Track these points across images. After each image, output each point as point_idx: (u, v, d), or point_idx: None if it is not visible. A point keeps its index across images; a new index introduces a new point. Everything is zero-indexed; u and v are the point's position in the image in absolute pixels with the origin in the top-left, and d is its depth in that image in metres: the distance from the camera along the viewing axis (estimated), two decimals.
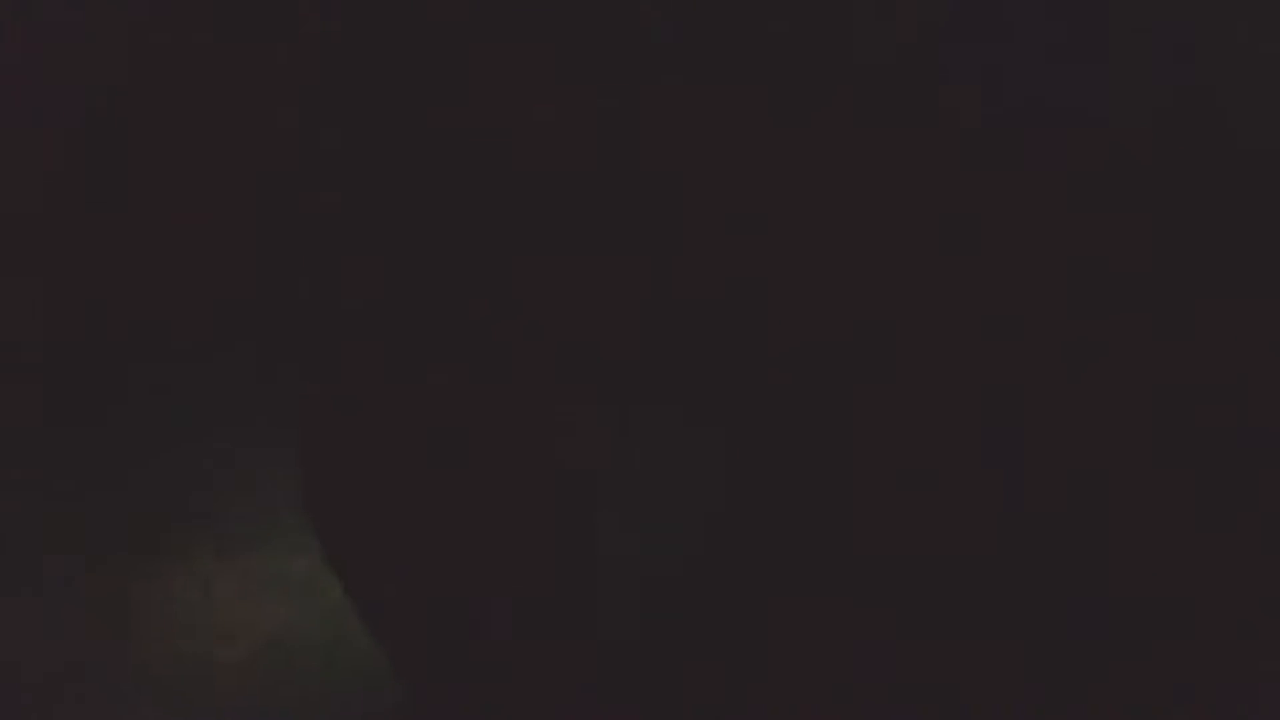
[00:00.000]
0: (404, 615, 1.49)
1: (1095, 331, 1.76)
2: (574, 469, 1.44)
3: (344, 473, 1.39)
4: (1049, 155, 1.72)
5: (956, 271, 1.78)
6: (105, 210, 2.29)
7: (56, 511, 2.05)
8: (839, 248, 1.84)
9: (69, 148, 2.33)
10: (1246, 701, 1.60)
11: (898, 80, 1.72)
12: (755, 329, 1.75)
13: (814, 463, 1.83)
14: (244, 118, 2.34)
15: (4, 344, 2.13)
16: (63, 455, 2.11)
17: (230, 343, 2.12)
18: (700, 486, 1.82)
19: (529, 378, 1.32)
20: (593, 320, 1.32)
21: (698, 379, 1.78)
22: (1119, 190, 1.75)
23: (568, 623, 1.60)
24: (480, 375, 1.29)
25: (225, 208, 2.28)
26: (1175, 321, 1.84)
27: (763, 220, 1.69)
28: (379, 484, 1.37)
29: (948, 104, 1.68)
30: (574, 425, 1.39)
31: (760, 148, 1.87)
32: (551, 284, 1.28)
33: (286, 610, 1.92)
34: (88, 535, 2.04)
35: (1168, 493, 1.82)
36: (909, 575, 1.75)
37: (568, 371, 1.35)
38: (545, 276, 1.27)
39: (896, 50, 1.70)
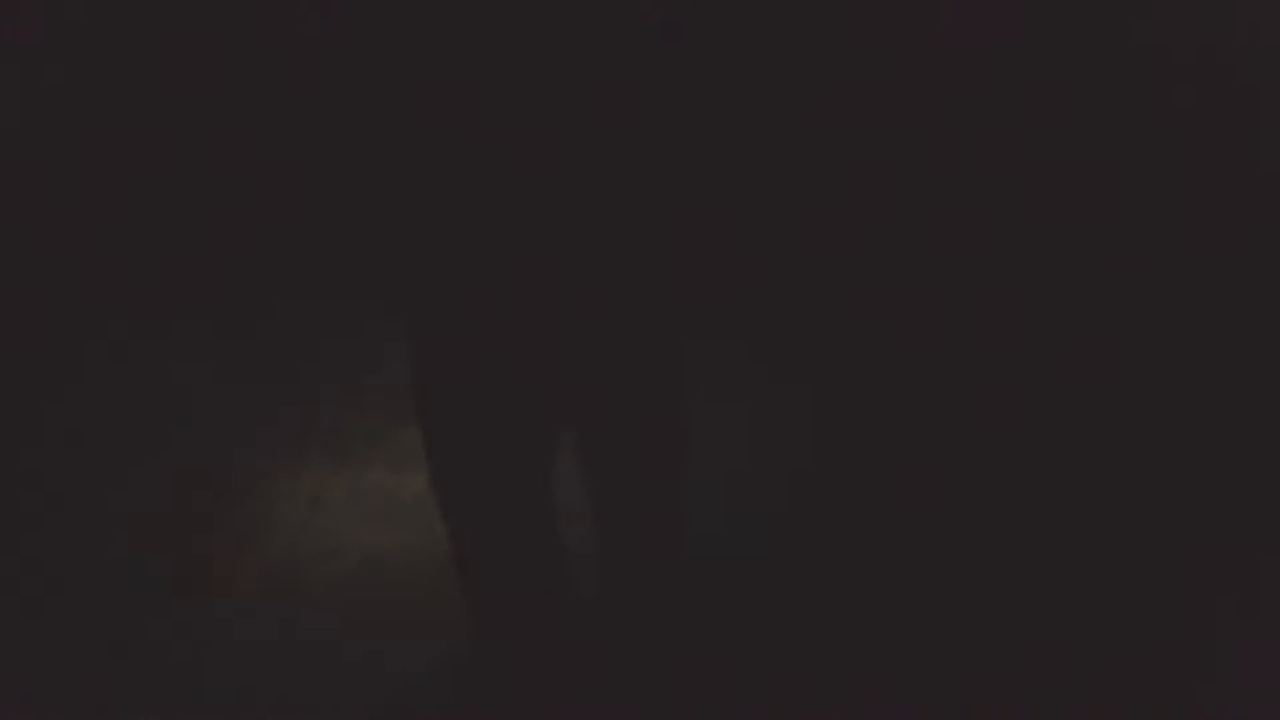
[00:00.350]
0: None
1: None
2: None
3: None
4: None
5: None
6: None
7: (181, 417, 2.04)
8: (843, 240, 1.84)
9: (69, 145, 2.34)
10: (1247, 701, 1.60)
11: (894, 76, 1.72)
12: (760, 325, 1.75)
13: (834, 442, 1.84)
14: (241, 119, 2.34)
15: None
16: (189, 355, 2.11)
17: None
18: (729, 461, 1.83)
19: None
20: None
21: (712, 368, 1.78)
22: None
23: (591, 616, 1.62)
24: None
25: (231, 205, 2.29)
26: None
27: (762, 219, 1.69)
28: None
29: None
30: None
31: (761, 145, 1.87)
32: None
33: (393, 531, 1.90)
34: (199, 432, 2.03)
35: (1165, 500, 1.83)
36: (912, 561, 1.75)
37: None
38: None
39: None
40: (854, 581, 1.75)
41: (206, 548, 1.88)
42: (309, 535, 1.89)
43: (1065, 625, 1.68)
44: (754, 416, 1.96)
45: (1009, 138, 2.21)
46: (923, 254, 2.13)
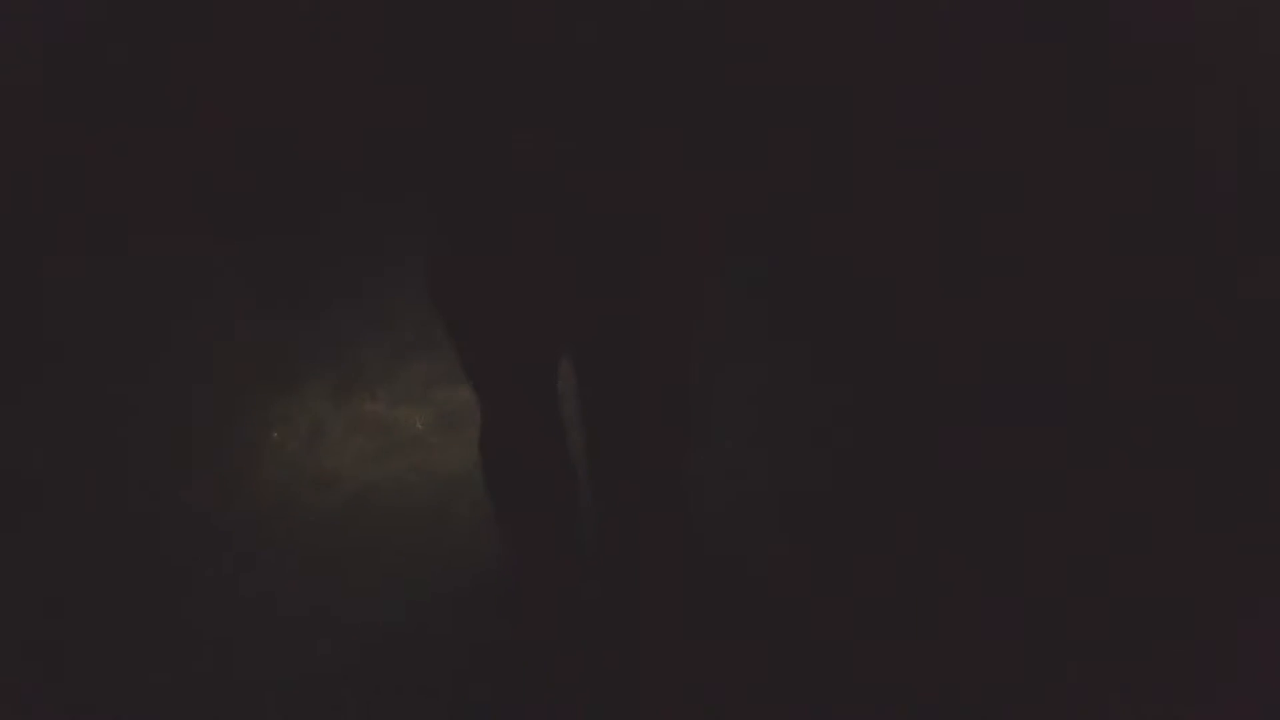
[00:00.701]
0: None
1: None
2: None
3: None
4: None
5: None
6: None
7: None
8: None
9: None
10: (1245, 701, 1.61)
11: None
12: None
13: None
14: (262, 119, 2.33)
15: None
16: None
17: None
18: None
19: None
20: None
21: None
22: None
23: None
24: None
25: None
26: None
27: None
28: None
29: None
30: None
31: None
32: None
33: (391, 464, 1.90)
34: (200, 358, 2.05)
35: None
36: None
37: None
38: None
39: None
40: (862, 579, 1.74)
41: (205, 473, 1.90)
42: (307, 465, 1.89)
43: (1066, 625, 1.68)
44: (764, 418, 1.96)
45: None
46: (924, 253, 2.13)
